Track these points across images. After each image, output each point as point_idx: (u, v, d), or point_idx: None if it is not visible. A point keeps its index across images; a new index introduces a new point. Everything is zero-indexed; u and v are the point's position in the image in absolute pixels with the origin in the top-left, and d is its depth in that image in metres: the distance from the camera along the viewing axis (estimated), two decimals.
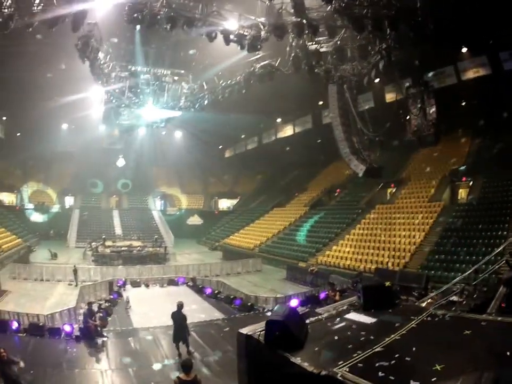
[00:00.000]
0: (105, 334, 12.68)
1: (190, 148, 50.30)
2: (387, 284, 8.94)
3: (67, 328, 12.19)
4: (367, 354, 4.53)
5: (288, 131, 46.13)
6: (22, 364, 7.59)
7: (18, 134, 44.07)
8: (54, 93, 30.39)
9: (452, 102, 26.03)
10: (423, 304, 8.72)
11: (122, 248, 32.46)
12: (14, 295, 18.79)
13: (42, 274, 22.84)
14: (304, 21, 14.11)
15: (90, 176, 52.22)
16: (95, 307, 16.44)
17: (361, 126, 20.39)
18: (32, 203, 47.58)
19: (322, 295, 16.45)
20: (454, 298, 8.90)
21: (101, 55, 18.78)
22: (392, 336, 5.26)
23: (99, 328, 12.62)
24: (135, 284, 22.45)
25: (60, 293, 19.98)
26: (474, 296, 8.61)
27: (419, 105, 16.91)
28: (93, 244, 32.68)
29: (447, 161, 32.06)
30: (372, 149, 20.94)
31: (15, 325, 11.91)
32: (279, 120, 45.82)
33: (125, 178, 53.96)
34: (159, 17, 14.61)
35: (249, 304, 17.66)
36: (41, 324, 12.42)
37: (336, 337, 5.69)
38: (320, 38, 17.30)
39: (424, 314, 6.78)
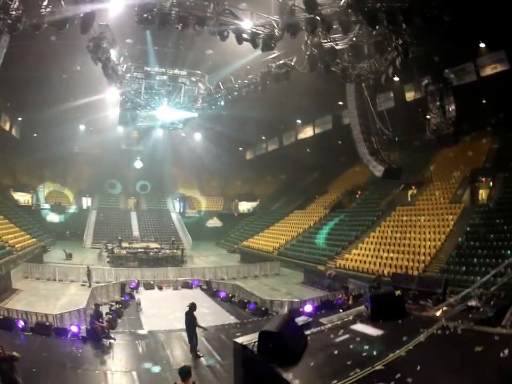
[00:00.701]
0: (112, 336, 12.58)
1: (210, 149, 50.38)
2: (397, 292, 8.55)
3: (74, 328, 12.18)
4: (365, 373, 4.19)
5: (308, 132, 45.62)
6: (16, 354, 7.42)
7: (34, 135, 45.04)
8: (69, 94, 30.89)
9: (471, 99, 25.14)
10: (438, 312, 8.24)
11: (139, 250, 32.52)
12: (24, 294, 19.01)
13: (55, 274, 23.06)
14: (318, 18, 13.71)
15: (108, 177, 52.92)
16: (104, 309, 16.72)
17: (380, 125, 19.84)
18: (48, 203, 48.46)
19: (338, 300, 16.01)
20: (472, 303, 8.46)
21: (113, 56, 18.85)
22: (397, 351, 4.97)
23: (106, 330, 12.51)
24: (148, 286, 22.46)
25: (71, 294, 20.08)
26: (492, 302, 8.12)
27: (438, 103, 16.33)
28: (109, 245, 32.92)
29: (467, 161, 31.41)
30: (391, 149, 20.40)
31: (21, 323, 11.96)
32: (299, 121, 45.36)
33: (143, 179, 54.45)
34: (169, 17, 14.56)
35: (263, 308, 17.32)
36: (47, 324, 12.44)
37: (336, 352, 5.42)
38: (335, 36, 16.96)
39: (434, 326, 6.38)
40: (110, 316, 15.00)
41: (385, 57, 17.07)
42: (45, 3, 12.56)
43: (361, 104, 20.69)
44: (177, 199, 56.94)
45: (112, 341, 12.19)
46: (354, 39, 16.36)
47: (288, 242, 35.63)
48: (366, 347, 5.20)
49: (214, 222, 53.10)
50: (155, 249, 33.38)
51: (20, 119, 42.94)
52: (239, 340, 5.94)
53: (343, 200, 39.88)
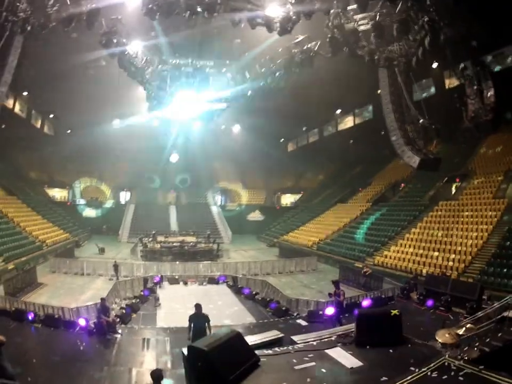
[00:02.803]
0: (119, 331, 13.18)
1: (251, 141, 50.69)
2: (393, 312, 7.61)
3: (82, 322, 12.85)
4: None
5: (348, 123, 45.18)
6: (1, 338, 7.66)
7: (68, 131, 47.61)
8: (99, 89, 32.24)
9: None
10: (461, 330, 7.44)
11: (174, 244, 33.38)
12: (49, 288, 20.27)
13: (83, 268, 24.34)
14: None
15: (147, 172, 54.69)
16: (122, 303, 17.58)
17: (415, 113, 19.03)
18: (84, 199, 51.20)
19: (364, 303, 15.37)
20: (509, 314, 7.84)
21: (130, 50, 19.46)
22: None
23: (113, 324, 13.15)
24: (173, 281, 23.06)
25: (97, 288, 20.96)
26: None
27: (475, 88, 15.34)
28: (144, 239, 34.15)
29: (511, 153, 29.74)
30: (428, 139, 19.49)
31: (31, 315, 12.80)
32: (338, 111, 44.88)
33: (183, 173, 55.84)
34: (176, 5, 14.86)
35: (283, 308, 17.21)
36: (56, 316, 13.23)
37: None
38: (358, 16, 16.59)
39: (431, 365, 5.56)
40: (124, 311, 15.80)
41: (414, 37, 16.46)
42: (51, 2, 13.26)
43: (395, 91, 19.96)
44: (218, 192, 57.84)
45: (117, 335, 12.80)
46: (377, 18, 15.79)
47: (328, 237, 35.53)
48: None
49: (255, 216, 53.47)
50: (191, 243, 34.12)
51: (51, 116, 45.59)
52: (186, 350, 5.75)
53: (386, 194, 39.39)
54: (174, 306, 18.06)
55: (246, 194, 58.83)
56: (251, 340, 9.79)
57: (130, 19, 18.77)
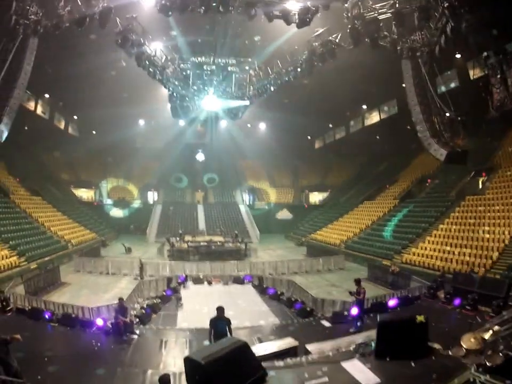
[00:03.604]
0: (137, 332, 13.02)
1: (278, 139, 50.54)
2: (419, 319, 6.92)
3: (99, 322, 12.83)
4: None
5: (374, 118, 44.38)
6: (17, 336, 7.96)
7: (93, 132, 48.49)
8: (122, 90, 32.56)
9: None
10: (487, 335, 6.85)
11: (201, 244, 33.24)
12: (72, 287, 20.39)
13: (108, 268, 24.45)
14: None
15: (174, 171, 54.88)
16: (144, 303, 17.45)
17: (441, 104, 18.19)
18: (111, 199, 51.85)
19: (391, 302, 15.18)
20: None
21: (148, 49, 19.35)
22: None
23: (130, 325, 12.99)
24: (197, 281, 22.85)
25: (121, 287, 20.96)
26: None
27: (499, 76, 14.45)
28: (172, 238, 34.19)
29: None
30: (455, 131, 18.61)
31: (48, 314, 12.92)
32: (364, 106, 44.37)
33: (211, 172, 55.88)
34: (190, 1, 14.58)
35: (308, 309, 16.72)
36: (73, 316, 13.21)
37: None
38: (377, 5, 16.12)
39: (456, 380, 5.07)
40: (144, 311, 15.65)
41: (435, 25, 15.96)
42: (62, 4, 13.24)
43: (420, 82, 19.55)
44: (246, 191, 57.55)
45: (134, 336, 12.63)
46: (396, 5, 15.10)
47: (356, 235, 35.02)
48: None
49: (284, 214, 52.86)
50: (218, 243, 33.95)
51: (75, 117, 46.50)
52: (192, 356, 5.28)
53: (413, 190, 38.56)
54: (197, 306, 17.75)
55: (274, 192, 58.21)
56: (262, 349, 9.43)
57: (148, 18, 18.73)
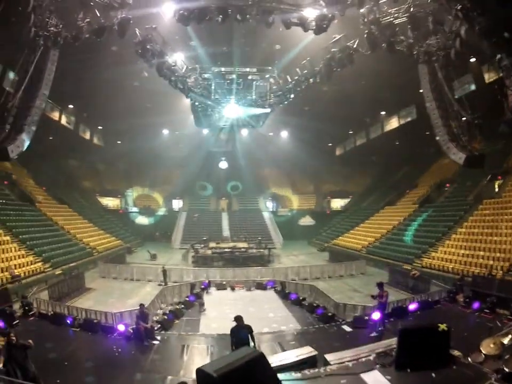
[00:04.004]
0: (158, 338, 12.96)
1: (300, 147, 50.38)
2: (441, 327, 6.41)
3: (121, 327, 12.85)
4: None
5: (393, 123, 44.12)
6: (29, 342, 8.22)
7: (118, 142, 49.13)
8: (146, 100, 32.92)
9: None
10: (507, 339, 6.55)
11: (225, 250, 33.28)
12: (97, 293, 20.60)
13: (133, 274, 24.63)
14: None
15: (198, 179, 55.30)
16: (167, 309, 17.42)
17: (458, 108, 18.00)
18: (137, 206, 52.58)
19: (411, 306, 15.01)
20: None
21: (168, 58, 19.53)
22: None
23: (151, 331, 12.95)
24: (220, 287, 22.81)
25: (145, 293, 21.00)
26: None
27: None
28: (196, 245, 34.34)
29: None
30: (472, 135, 18.35)
31: (69, 320, 13.07)
32: (383, 113, 44.10)
33: (235, 180, 56.08)
34: (208, 10, 14.66)
35: (329, 314, 16.40)
36: (95, 321, 13.27)
37: None
38: (392, 10, 16.10)
39: None
40: (166, 317, 15.60)
41: (450, 29, 15.83)
42: (81, 16, 13.50)
43: (436, 87, 19.13)
44: (269, 198, 57.52)
45: (155, 342, 12.57)
46: (411, 9, 15.06)
47: (377, 240, 34.88)
48: None
49: (306, 220, 52.68)
50: (242, 249, 33.93)
51: (100, 127, 47.25)
52: (205, 368, 5.06)
53: (432, 194, 38.20)
54: (219, 312, 17.64)
55: (296, 199, 58.05)
56: (279, 359, 9.23)
57: (170, 30, 18.99)
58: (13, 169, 35.62)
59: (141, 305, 13.52)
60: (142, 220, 49.72)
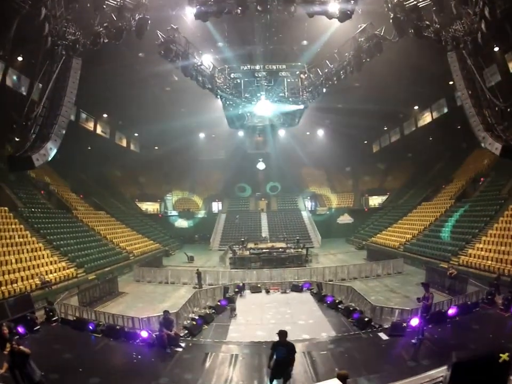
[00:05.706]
0: (182, 345, 12.08)
1: (337, 145, 49.43)
2: (503, 357, 5.01)
3: (144, 334, 12.15)
4: None
5: (427, 118, 42.26)
6: (26, 350, 7.98)
7: (155, 148, 49.21)
8: (179, 105, 32.46)
9: None
10: None
11: (263, 251, 32.19)
12: (129, 297, 20.01)
13: (168, 277, 23.90)
14: None
15: (237, 181, 54.64)
16: (198, 314, 16.52)
17: (490, 96, 16.51)
18: (176, 210, 52.41)
19: (450, 311, 13.75)
20: None
21: (194, 58, 18.76)
22: None
23: (176, 338, 12.09)
24: (255, 289, 21.56)
25: (178, 296, 20.23)
26: None
27: None
28: (235, 246, 33.48)
29: None
30: (507, 124, 16.38)
31: (91, 325, 12.56)
32: (416, 107, 42.21)
33: (273, 181, 55.12)
34: (226, 3, 13.71)
35: (365, 319, 14.87)
36: (118, 327, 12.58)
37: None
38: None
39: None
40: (194, 322, 14.66)
41: (474, 11, 14.83)
42: (98, 20, 12.93)
43: (467, 74, 17.49)
44: (308, 197, 56.10)
45: (179, 349, 11.69)
46: None
47: (414, 237, 32.94)
48: None
49: (345, 219, 50.83)
50: (280, 249, 32.70)
51: (136, 134, 47.50)
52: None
53: (467, 189, 36.00)
54: (251, 317, 16.50)
55: (334, 198, 56.38)
56: None
57: (196, 32, 18.34)
58: (51, 180, 36.10)
59: (165, 311, 12.67)
60: (182, 223, 49.57)
